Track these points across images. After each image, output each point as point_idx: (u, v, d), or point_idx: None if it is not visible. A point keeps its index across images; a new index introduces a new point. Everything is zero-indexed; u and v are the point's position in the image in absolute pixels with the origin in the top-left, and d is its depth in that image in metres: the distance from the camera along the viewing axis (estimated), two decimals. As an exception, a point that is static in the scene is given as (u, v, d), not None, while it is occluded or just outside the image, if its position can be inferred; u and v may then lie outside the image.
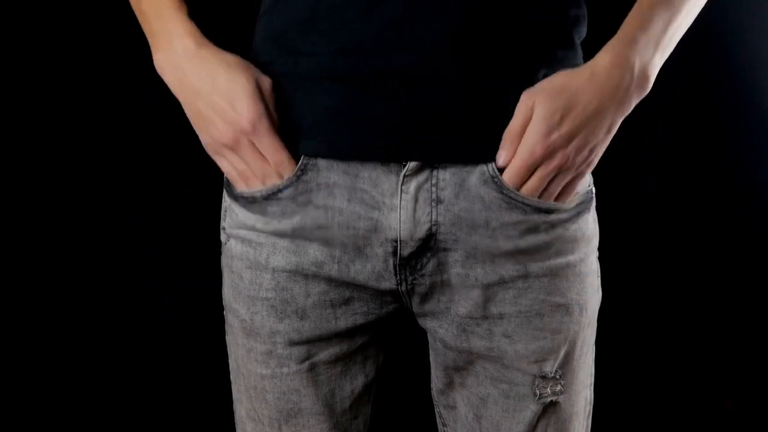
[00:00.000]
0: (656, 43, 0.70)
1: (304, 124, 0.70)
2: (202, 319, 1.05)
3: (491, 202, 0.70)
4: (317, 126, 0.69)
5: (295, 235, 0.72)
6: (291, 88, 0.70)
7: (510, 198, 0.70)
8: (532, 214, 0.71)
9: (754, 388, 1.39)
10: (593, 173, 0.79)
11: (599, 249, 0.79)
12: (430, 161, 0.69)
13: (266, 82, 0.69)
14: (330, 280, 0.73)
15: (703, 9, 0.75)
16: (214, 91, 0.68)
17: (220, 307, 0.81)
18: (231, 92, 0.67)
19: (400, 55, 0.66)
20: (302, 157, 0.70)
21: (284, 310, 0.74)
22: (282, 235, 0.72)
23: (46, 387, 1.28)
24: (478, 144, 0.69)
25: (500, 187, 0.70)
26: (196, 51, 0.69)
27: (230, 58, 0.69)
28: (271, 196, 0.71)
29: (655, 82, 0.80)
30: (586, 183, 0.76)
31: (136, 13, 0.74)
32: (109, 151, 1.28)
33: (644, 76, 0.70)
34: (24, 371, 1.26)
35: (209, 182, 0.84)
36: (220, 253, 0.79)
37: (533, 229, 0.72)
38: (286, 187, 0.71)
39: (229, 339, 0.80)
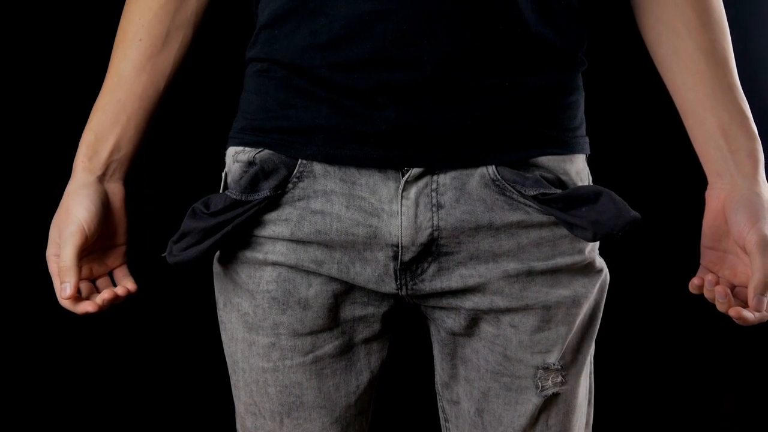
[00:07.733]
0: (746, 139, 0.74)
1: (303, 130, 0.70)
2: (202, 318, 1.05)
3: (494, 203, 0.71)
4: (316, 133, 0.69)
5: (293, 238, 0.72)
6: (291, 95, 0.70)
7: (512, 199, 0.71)
8: (534, 214, 0.71)
9: (754, 385, 1.39)
10: (593, 173, 0.79)
11: (600, 243, 0.79)
12: (432, 168, 0.69)
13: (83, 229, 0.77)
14: (330, 278, 0.74)
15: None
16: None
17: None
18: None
19: (401, 71, 0.66)
20: (298, 163, 0.71)
21: (287, 301, 0.74)
22: (280, 238, 0.73)
23: (46, 387, 1.28)
24: (480, 147, 0.69)
25: (502, 189, 0.70)
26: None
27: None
28: (269, 203, 0.72)
29: (654, 83, 0.80)
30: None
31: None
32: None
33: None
34: (23, 371, 1.27)
35: (207, 181, 0.85)
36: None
37: (536, 228, 0.72)
38: (283, 194, 0.71)
39: (224, 336, 0.80)
